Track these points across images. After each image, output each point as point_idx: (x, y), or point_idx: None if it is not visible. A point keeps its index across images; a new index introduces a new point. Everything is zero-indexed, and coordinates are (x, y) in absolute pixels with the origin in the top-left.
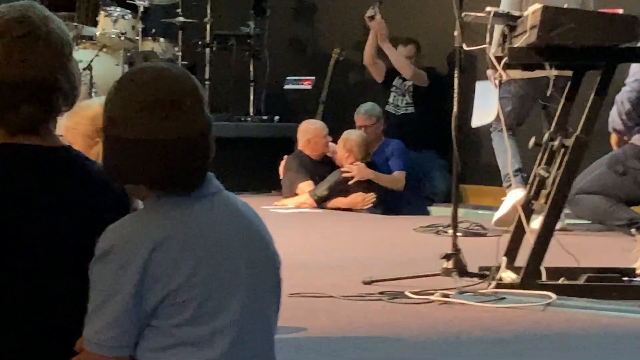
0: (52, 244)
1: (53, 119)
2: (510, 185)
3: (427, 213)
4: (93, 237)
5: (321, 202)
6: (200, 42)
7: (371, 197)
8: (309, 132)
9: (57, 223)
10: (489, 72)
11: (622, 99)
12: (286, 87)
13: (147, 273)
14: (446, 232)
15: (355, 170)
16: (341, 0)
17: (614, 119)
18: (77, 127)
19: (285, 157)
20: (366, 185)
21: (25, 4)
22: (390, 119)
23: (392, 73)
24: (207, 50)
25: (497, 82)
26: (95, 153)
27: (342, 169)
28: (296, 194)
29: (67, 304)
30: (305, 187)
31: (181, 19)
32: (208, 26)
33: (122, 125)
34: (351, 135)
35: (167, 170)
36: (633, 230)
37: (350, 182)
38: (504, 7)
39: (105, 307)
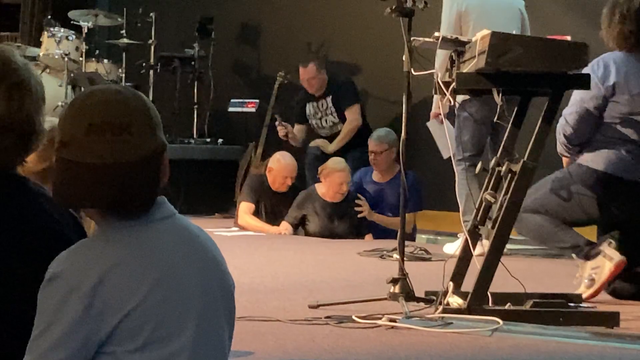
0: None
1: None
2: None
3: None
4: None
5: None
6: (144, 64)
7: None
8: (275, 164)
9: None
10: (436, 97)
11: (562, 125)
12: (230, 109)
13: (94, 301)
14: (390, 256)
15: (365, 210)
16: (285, 23)
17: (558, 145)
18: None
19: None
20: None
21: (6, 49)
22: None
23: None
24: (151, 71)
25: (441, 117)
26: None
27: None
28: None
29: (18, 332)
30: (243, 207)
31: (125, 40)
32: (152, 48)
33: (72, 148)
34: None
35: (116, 194)
36: (574, 255)
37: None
38: (443, 32)
39: (48, 332)
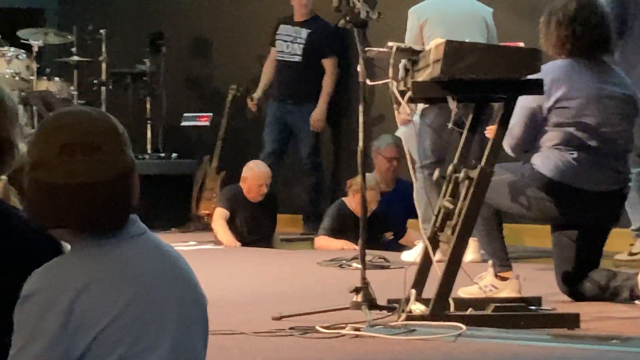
0: None
1: None
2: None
3: None
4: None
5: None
6: (95, 81)
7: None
8: (248, 172)
9: None
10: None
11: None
12: (184, 124)
13: (71, 317)
14: (349, 265)
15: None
16: (237, 37)
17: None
18: None
19: None
20: None
21: None
22: None
23: None
24: (103, 88)
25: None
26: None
27: None
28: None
29: None
30: (217, 212)
31: (76, 57)
32: (103, 64)
33: (43, 169)
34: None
35: (88, 214)
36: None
37: None
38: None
39: (26, 350)
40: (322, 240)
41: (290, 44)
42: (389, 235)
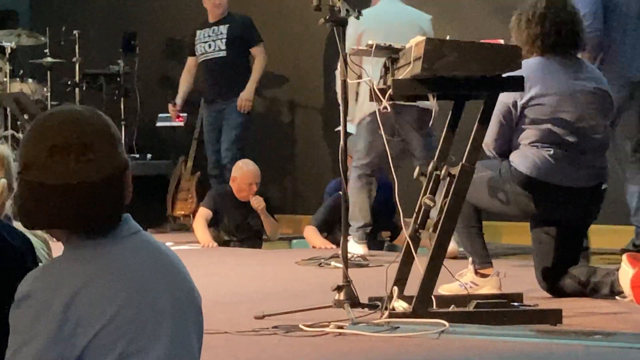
0: None
1: None
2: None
3: None
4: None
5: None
6: (69, 82)
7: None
8: (237, 172)
9: None
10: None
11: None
12: (158, 124)
13: (68, 318)
14: (328, 264)
15: None
16: None
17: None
18: None
19: None
20: None
21: None
22: None
23: None
24: (77, 89)
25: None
26: None
27: None
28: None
29: None
30: (199, 211)
31: (49, 59)
32: (77, 65)
33: (35, 169)
34: None
35: (80, 214)
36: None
37: None
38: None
39: (21, 352)
40: (309, 232)
41: (212, 42)
42: (386, 235)
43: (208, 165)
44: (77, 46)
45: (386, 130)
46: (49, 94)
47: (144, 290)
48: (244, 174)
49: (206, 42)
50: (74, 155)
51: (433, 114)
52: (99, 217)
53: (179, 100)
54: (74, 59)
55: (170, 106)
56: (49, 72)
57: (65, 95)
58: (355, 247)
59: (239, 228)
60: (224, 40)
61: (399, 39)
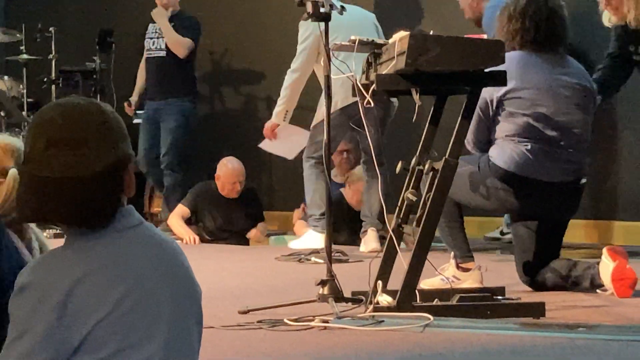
0: None
1: None
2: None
3: None
4: None
5: None
6: (45, 79)
7: None
8: (221, 170)
9: None
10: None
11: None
12: (135, 121)
13: (66, 309)
14: (309, 260)
15: None
16: None
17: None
18: None
19: None
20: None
21: None
22: None
23: None
24: (53, 86)
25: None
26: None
27: None
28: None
29: None
30: (176, 209)
31: (25, 56)
32: (53, 62)
33: (33, 162)
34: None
35: (76, 208)
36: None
37: None
38: (299, 55)
39: (20, 341)
40: (299, 226)
41: (155, 40)
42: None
43: (139, 162)
44: (53, 43)
45: (347, 123)
46: (24, 91)
47: (142, 283)
48: (228, 171)
49: (151, 38)
50: (68, 149)
51: (416, 110)
52: (93, 211)
53: (135, 97)
54: (50, 56)
55: (126, 105)
56: (24, 69)
57: (42, 93)
58: (317, 239)
59: (222, 225)
60: (164, 40)
61: (359, 34)
